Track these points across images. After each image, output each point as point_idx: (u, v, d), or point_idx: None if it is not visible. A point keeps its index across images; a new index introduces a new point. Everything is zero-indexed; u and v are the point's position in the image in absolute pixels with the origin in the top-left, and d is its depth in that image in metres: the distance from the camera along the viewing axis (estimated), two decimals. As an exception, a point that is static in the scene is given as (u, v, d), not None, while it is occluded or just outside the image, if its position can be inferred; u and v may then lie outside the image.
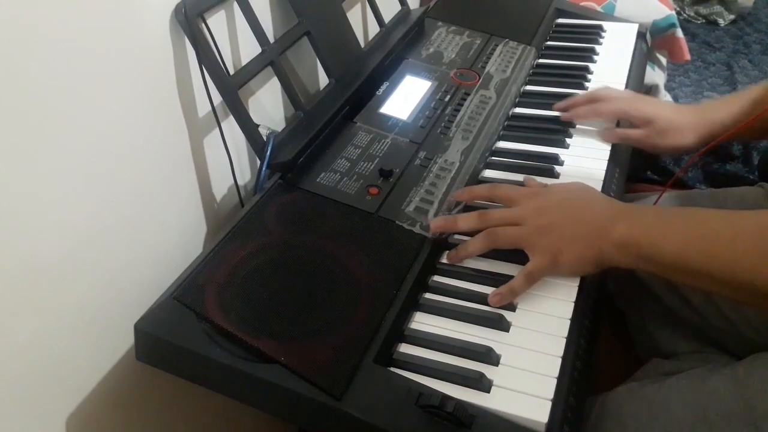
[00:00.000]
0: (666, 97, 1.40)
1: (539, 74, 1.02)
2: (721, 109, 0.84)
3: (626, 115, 0.87)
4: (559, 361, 0.56)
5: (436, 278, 0.66)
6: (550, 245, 0.63)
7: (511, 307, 0.62)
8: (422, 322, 0.61)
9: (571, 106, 0.89)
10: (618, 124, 0.89)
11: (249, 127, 0.70)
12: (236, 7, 0.70)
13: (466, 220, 0.67)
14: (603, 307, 0.68)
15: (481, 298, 0.62)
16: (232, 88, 0.68)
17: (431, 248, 0.66)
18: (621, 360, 0.83)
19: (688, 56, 1.27)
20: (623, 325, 0.87)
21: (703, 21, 2.09)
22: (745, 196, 0.86)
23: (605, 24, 1.15)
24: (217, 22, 0.70)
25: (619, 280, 0.87)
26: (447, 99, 0.88)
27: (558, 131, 0.88)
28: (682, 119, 0.84)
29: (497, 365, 0.56)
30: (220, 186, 0.77)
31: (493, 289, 0.63)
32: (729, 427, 0.56)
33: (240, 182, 0.78)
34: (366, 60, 0.88)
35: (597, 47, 1.08)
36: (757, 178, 1.13)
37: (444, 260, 0.67)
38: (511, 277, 0.63)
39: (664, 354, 0.77)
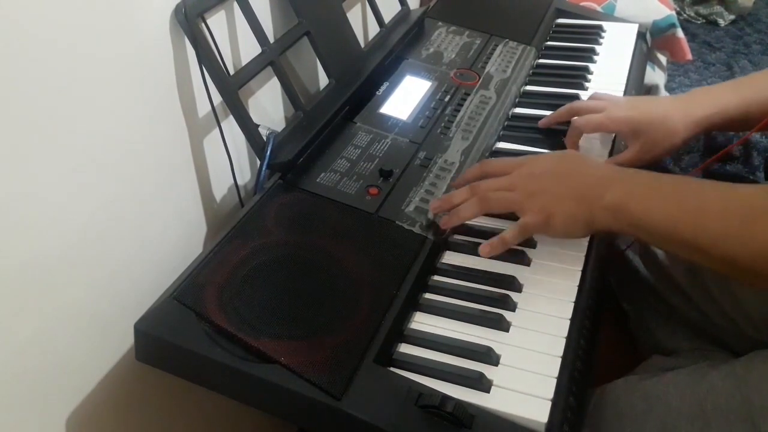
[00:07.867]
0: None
1: (539, 74, 1.02)
2: (705, 100, 0.79)
3: (605, 128, 0.82)
4: (559, 361, 0.56)
5: (436, 278, 0.66)
6: (542, 207, 0.64)
7: (512, 307, 0.62)
8: (422, 322, 0.61)
9: (552, 123, 0.86)
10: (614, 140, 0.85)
11: (249, 127, 0.70)
12: (236, 7, 0.70)
13: (460, 194, 0.68)
14: (603, 306, 0.68)
15: (481, 298, 0.63)
16: (232, 88, 0.68)
17: (431, 248, 0.66)
18: (622, 357, 0.83)
19: (689, 56, 1.27)
20: (625, 323, 0.87)
21: (703, 21, 2.08)
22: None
23: (605, 24, 1.15)
24: (217, 22, 0.70)
25: (621, 278, 0.87)
26: (447, 99, 0.88)
27: (557, 132, 0.87)
28: (666, 119, 0.78)
29: (497, 365, 0.56)
30: (220, 186, 0.77)
31: (493, 289, 0.63)
32: (725, 421, 0.57)
33: (240, 182, 0.78)
34: (366, 60, 0.88)
35: (597, 47, 1.08)
36: (759, 178, 1.13)
37: (445, 260, 0.68)
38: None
39: (665, 351, 0.78)
